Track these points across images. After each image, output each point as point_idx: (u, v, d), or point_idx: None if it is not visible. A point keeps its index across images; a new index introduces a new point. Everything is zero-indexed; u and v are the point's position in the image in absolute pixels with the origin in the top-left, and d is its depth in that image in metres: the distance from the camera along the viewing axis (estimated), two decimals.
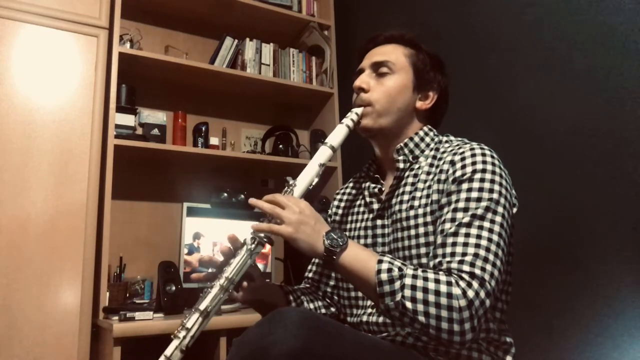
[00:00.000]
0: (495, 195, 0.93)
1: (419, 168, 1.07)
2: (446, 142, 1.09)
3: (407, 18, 2.24)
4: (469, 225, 0.90)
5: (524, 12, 1.69)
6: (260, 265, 2.32)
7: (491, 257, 0.87)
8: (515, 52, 1.71)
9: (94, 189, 1.89)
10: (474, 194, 0.93)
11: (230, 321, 1.76)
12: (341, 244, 0.91)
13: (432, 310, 0.83)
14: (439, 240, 0.92)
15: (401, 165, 1.08)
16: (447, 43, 1.96)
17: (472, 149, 0.99)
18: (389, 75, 1.10)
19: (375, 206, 1.12)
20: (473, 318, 0.83)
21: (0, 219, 1.72)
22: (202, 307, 0.89)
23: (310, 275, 1.27)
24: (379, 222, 1.10)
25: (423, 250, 0.98)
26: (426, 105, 1.13)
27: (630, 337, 1.30)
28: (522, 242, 1.26)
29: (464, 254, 0.87)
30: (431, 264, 0.91)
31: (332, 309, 1.21)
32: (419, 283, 0.85)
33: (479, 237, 0.89)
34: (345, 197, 1.25)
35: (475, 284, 0.84)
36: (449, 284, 0.84)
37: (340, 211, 1.24)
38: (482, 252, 0.87)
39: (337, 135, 1.07)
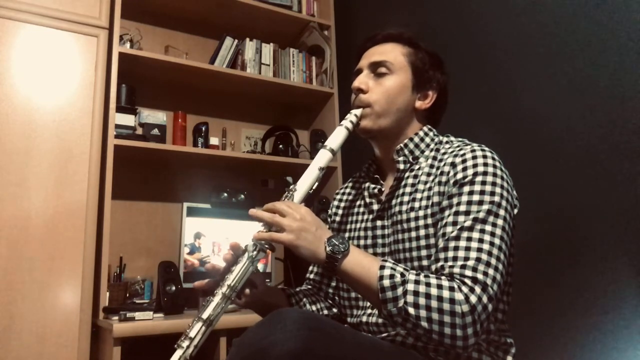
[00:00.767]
0: (496, 198, 0.92)
1: (419, 169, 1.06)
2: (446, 142, 1.08)
3: (407, 18, 2.24)
4: (470, 229, 0.90)
5: (523, 12, 1.69)
6: (260, 265, 2.32)
7: (493, 261, 0.87)
8: (515, 52, 1.71)
9: (93, 189, 1.89)
10: (476, 197, 0.92)
11: (230, 321, 1.76)
12: (343, 250, 0.90)
13: (435, 315, 0.83)
14: (441, 244, 0.92)
15: (401, 166, 1.08)
16: (447, 43, 1.96)
17: (473, 151, 0.98)
18: (387, 76, 1.09)
19: (375, 207, 1.11)
20: (476, 323, 0.83)
21: (0, 219, 1.72)
22: (205, 316, 0.88)
23: (312, 276, 1.26)
24: (378, 223, 1.10)
25: (424, 252, 0.98)
26: (426, 105, 1.12)
27: (631, 338, 1.30)
28: (523, 242, 1.26)
29: (466, 259, 0.87)
30: (433, 267, 0.91)
31: (334, 310, 1.21)
32: (422, 289, 0.85)
33: (481, 241, 0.88)
34: (345, 197, 1.25)
35: (477, 289, 0.84)
36: (451, 289, 0.84)
37: (340, 211, 1.24)
38: (484, 257, 0.87)
39: (337, 137, 1.06)
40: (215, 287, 0.92)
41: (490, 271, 0.86)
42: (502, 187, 0.94)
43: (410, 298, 0.85)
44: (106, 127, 1.97)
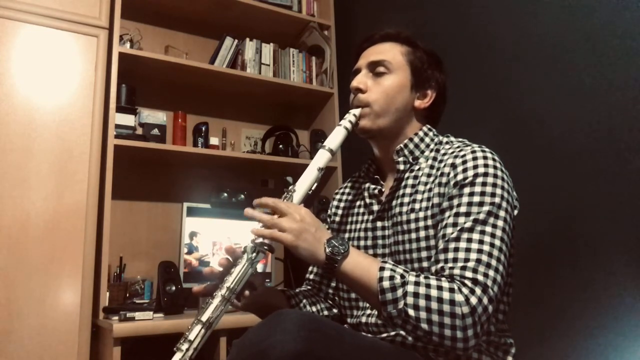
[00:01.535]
0: (497, 200, 0.92)
1: (419, 169, 1.06)
2: (446, 142, 1.08)
3: (407, 18, 2.24)
4: (471, 230, 0.89)
5: (523, 12, 1.69)
6: (260, 266, 2.32)
7: (494, 262, 0.87)
8: (515, 52, 1.71)
9: (94, 189, 1.89)
10: (476, 199, 0.92)
11: (230, 321, 1.76)
12: (342, 251, 0.90)
13: (435, 317, 0.83)
14: (441, 245, 0.91)
15: (401, 167, 1.07)
16: (447, 42, 1.95)
17: (473, 152, 0.98)
18: (386, 75, 1.09)
19: (375, 208, 1.11)
20: (476, 325, 0.83)
21: (0, 219, 1.72)
22: (204, 318, 0.88)
23: (312, 277, 1.26)
24: (379, 224, 1.09)
25: (424, 254, 0.98)
26: (425, 104, 1.11)
27: (631, 338, 1.30)
28: (523, 242, 1.26)
29: (467, 260, 0.87)
30: (433, 269, 0.91)
31: (335, 311, 1.20)
32: (422, 290, 0.85)
33: (481, 242, 0.88)
34: (344, 198, 1.24)
35: (478, 291, 0.84)
36: (451, 290, 0.84)
37: (340, 212, 1.23)
38: (484, 258, 0.87)
39: (336, 137, 1.05)
40: (214, 291, 0.92)
41: (491, 272, 0.86)
42: (502, 188, 0.94)
43: (410, 300, 0.84)
44: (106, 127, 1.97)
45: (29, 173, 1.80)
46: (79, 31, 1.97)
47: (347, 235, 1.17)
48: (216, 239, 2.25)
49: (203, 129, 2.33)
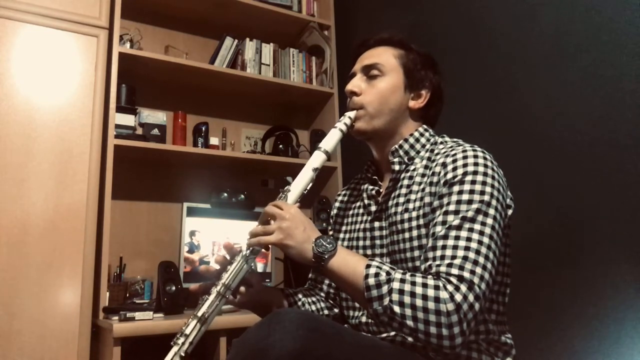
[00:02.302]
0: (486, 197, 0.92)
1: (414, 170, 1.07)
2: (441, 143, 1.09)
3: (407, 18, 2.24)
4: (459, 227, 0.90)
5: (523, 12, 1.69)
6: (260, 265, 2.32)
7: (481, 259, 0.87)
8: (514, 52, 1.71)
9: (94, 189, 1.89)
10: (465, 197, 0.92)
11: (230, 321, 1.76)
12: (330, 249, 0.92)
13: (420, 314, 0.83)
14: (430, 243, 0.92)
15: (397, 167, 1.08)
16: (447, 43, 1.96)
17: (464, 151, 0.98)
18: (379, 77, 1.11)
19: (373, 208, 1.12)
20: (462, 322, 0.82)
21: (0, 219, 1.72)
22: (199, 313, 0.91)
23: (313, 276, 1.27)
24: (376, 224, 1.10)
25: (417, 253, 0.98)
26: (419, 104, 1.12)
27: (631, 338, 1.30)
28: (522, 242, 1.26)
29: (453, 257, 0.87)
30: (422, 267, 0.91)
31: (335, 310, 1.21)
32: (407, 287, 0.85)
33: (469, 239, 0.88)
34: (346, 199, 1.26)
35: (463, 288, 0.83)
36: (436, 287, 0.84)
37: (341, 212, 1.25)
38: (471, 255, 0.86)
39: (331, 139, 1.08)
40: (210, 288, 0.95)
41: (478, 270, 0.86)
42: (492, 186, 0.94)
43: (395, 296, 0.85)
44: (106, 127, 1.97)
45: (29, 173, 1.80)
46: (79, 31, 1.98)
47: (347, 235, 1.18)
48: (216, 239, 2.25)
49: (203, 129, 2.33)
